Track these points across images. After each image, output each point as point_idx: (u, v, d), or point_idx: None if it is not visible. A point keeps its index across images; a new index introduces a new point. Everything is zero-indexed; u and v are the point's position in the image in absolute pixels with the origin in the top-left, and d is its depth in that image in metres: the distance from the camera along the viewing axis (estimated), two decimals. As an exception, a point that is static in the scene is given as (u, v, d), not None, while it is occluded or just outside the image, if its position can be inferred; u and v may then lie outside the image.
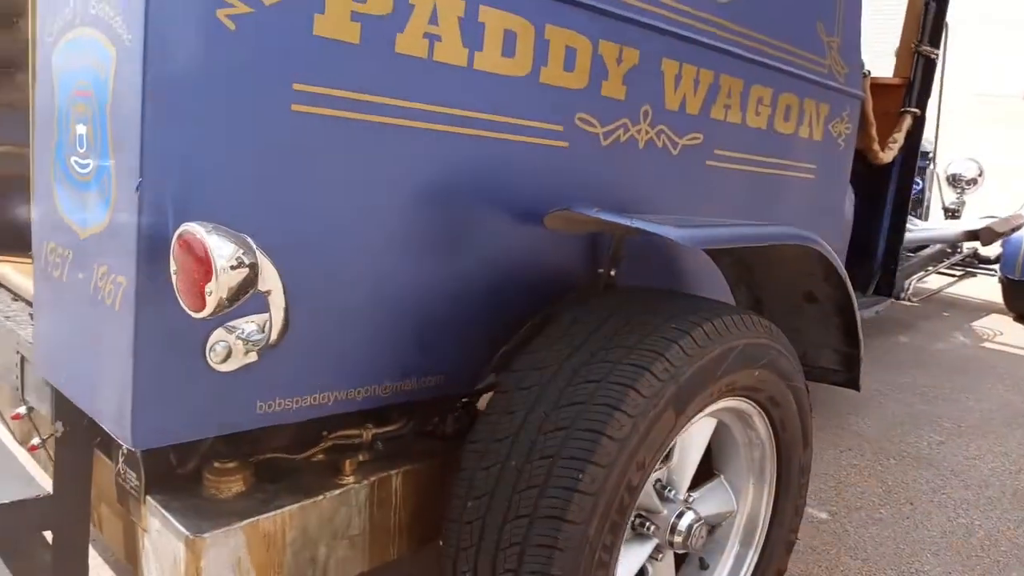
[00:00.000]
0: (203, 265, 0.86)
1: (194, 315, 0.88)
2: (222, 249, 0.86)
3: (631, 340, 1.24)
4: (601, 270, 1.56)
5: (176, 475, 1.18)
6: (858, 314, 1.72)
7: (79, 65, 1.05)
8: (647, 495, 1.39)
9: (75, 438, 1.18)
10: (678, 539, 1.40)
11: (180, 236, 0.88)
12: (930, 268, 3.77)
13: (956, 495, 2.34)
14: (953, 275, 4.12)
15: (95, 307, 1.03)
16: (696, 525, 1.41)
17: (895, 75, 2.95)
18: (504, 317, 1.39)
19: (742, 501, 1.58)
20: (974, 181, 4.09)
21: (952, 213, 4.09)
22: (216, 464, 1.18)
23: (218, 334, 1.00)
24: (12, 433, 1.53)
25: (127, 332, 0.96)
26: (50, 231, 1.16)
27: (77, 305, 1.08)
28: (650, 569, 1.46)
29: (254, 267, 0.88)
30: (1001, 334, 3.78)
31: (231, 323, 1.00)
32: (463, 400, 1.45)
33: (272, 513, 1.17)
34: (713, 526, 1.57)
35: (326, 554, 1.25)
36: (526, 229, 1.38)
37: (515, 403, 1.23)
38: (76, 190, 1.07)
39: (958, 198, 4.11)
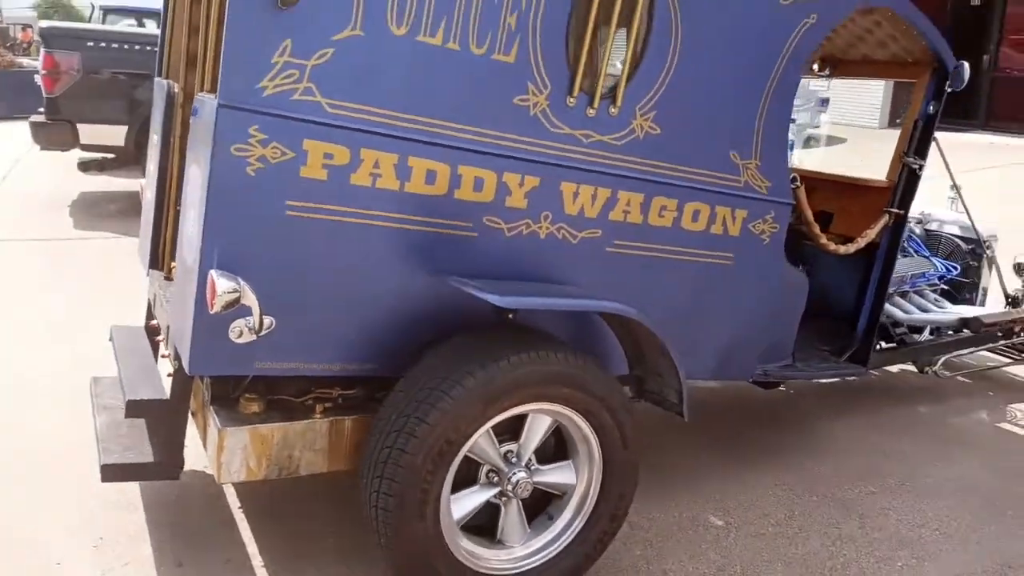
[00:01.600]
0: (214, 289, 1.87)
1: (210, 312, 1.89)
2: (223, 284, 1.86)
3: (474, 356, 2.09)
4: (511, 314, 2.41)
5: (228, 399, 2.22)
6: (676, 357, 2.41)
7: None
8: (496, 459, 2.23)
9: (181, 369, 2.25)
10: (509, 488, 2.22)
11: (210, 276, 1.89)
12: (978, 347, 4.07)
13: (846, 532, 2.85)
14: (1013, 357, 4.31)
15: (184, 304, 2.08)
16: (523, 482, 2.23)
17: (887, 178, 3.43)
18: (424, 337, 2.28)
19: (580, 480, 2.35)
20: (1040, 271, 4.26)
21: (1013, 300, 4.28)
22: (246, 396, 2.20)
23: (238, 323, 2.01)
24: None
25: (191, 318, 2.00)
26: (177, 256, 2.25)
27: (181, 300, 2.15)
28: (503, 508, 2.29)
29: (238, 292, 1.87)
30: (1030, 417, 3.98)
31: (245, 319, 2.00)
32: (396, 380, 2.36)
33: (267, 424, 2.17)
34: (561, 493, 2.36)
35: (299, 455, 2.23)
36: (443, 285, 2.26)
37: (404, 385, 2.14)
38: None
39: (1023, 285, 4.29)
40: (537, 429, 2.28)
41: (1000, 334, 4.15)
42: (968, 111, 14.26)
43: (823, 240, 3.20)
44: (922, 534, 2.88)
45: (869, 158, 11.85)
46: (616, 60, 2.41)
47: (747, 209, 2.75)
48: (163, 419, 2.29)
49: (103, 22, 12.98)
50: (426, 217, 2.19)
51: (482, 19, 2.14)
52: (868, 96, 14.60)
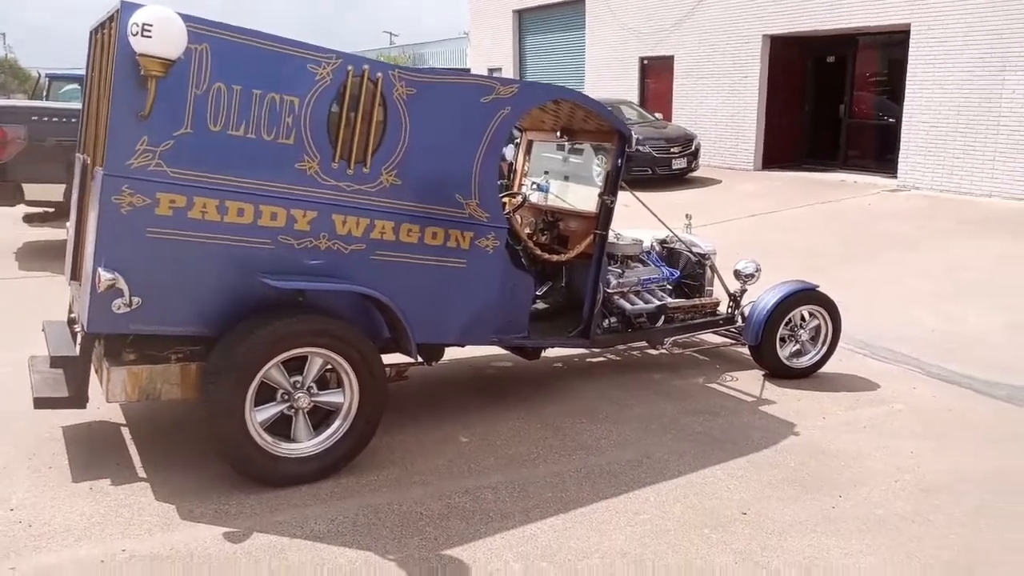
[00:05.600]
0: (100, 278, 3.25)
1: (98, 292, 3.27)
2: (105, 275, 3.24)
3: (265, 318, 3.50)
4: (300, 296, 3.80)
5: (118, 350, 3.57)
6: (407, 325, 3.84)
7: (94, 219, 3.52)
8: (286, 384, 3.61)
9: (85, 333, 3.59)
10: (296, 404, 3.61)
11: (97, 271, 3.27)
12: (695, 333, 5.57)
13: (550, 443, 4.26)
14: (735, 339, 5.81)
15: (85, 289, 3.44)
16: (304, 399, 3.62)
17: (596, 209, 4.93)
18: (243, 311, 3.65)
19: (345, 398, 3.74)
20: (752, 275, 5.78)
21: (733, 296, 5.80)
22: (127, 350, 3.57)
23: (117, 301, 3.38)
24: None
25: (88, 296, 3.37)
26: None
27: (83, 287, 3.51)
28: (293, 418, 3.66)
29: (114, 281, 3.25)
30: (736, 379, 5.45)
31: (122, 298, 3.36)
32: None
33: (137, 366, 3.54)
34: (336, 409, 3.75)
35: (160, 387, 3.59)
36: (253, 278, 3.64)
37: (223, 339, 3.52)
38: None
39: (740, 287, 5.82)
40: (313, 366, 3.67)
41: (721, 321, 5.67)
42: (830, 153, 16.26)
43: (538, 252, 4.69)
44: (600, 444, 4.31)
45: (734, 195, 13.67)
46: (365, 139, 3.86)
47: (472, 231, 4.20)
48: (73, 369, 3.63)
49: (49, 87, 14.28)
50: (239, 237, 3.59)
51: (269, 120, 3.57)
52: (743, 143, 16.49)
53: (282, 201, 3.66)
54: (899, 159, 13.90)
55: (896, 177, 13.94)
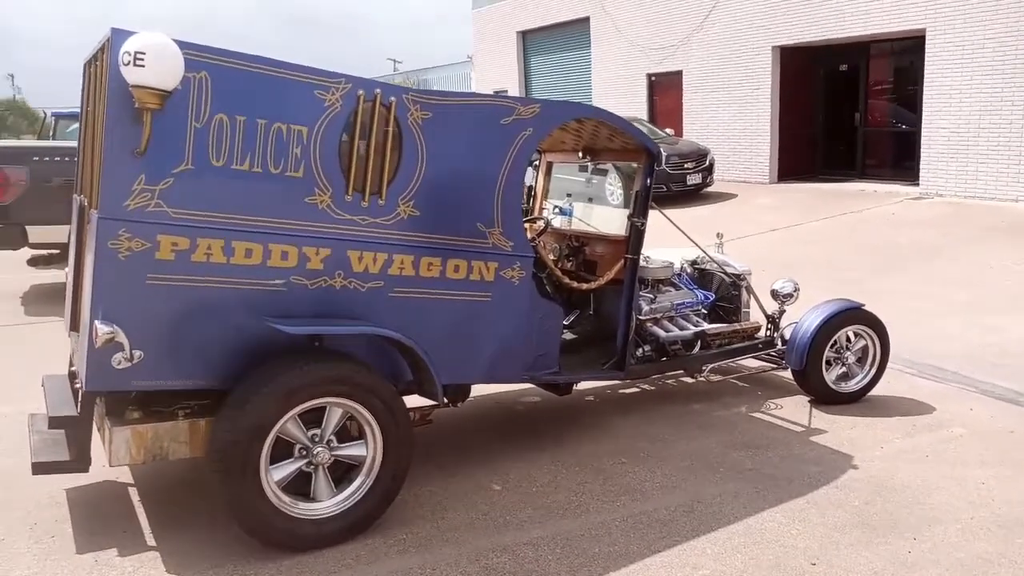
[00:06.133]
0: (96, 332, 2.96)
1: (95, 347, 2.98)
2: (102, 328, 2.95)
3: (278, 368, 3.20)
4: (316, 342, 3.51)
5: (121, 408, 3.27)
6: (431, 366, 3.53)
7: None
8: (303, 439, 3.30)
9: (85, 392, 3.30)
10: (315, 459, 3.30)
11: (94, 324, 2.98)
12: (735, 359, 5.23)
13: (590, 488, 3.93)
14: (776, 363, 5.46)
15: (82, 344, 3.16)
16: (324, 455, 3.31)
17: (625, 232, 4.63)
18: (255, 361, 3.36)
19: (368, 451, 3.43)
20: (790, 295, 5.45)
21: (771, 319, 5.46)
22: (130, 407, 3.27)
23: (117, 355, 3.09)
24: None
25: (86, 352, 3.08)
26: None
27: (81, 342, 3.23)
28: (313, 475, 3.35)
29: (113, 334, 2.96)
30: (781, 407, 5.11)
31: (122, 352, 3.08)
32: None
33: (141, 425, 3.23)
34: (359, 463, 3.44)
35: (167, 445, 3.28)
36: (264, 323, 3.35)
37: (235, 391, 3.22)
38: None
39: (779, 308, 5.48)
40: (332, 417, 3.36)
41: (761, 345, 5.34)
42: (847, 163, 15.93)
43: (565, 280, 4.38)
44: (645, 487, 3.97)
45: (752, 210, 13.35)
46: (380, 169, 3.58)
47: (497, 262, 3.90)
48: (74, 429, 3.34)
49: (55, 126, 14.17)
50: (247, 279, 3.30)
51: (275, 152, 3.30)
52: (758, 156, 16.20)
53: (293, 239, 3.38)
54: (920, 166, 13.58)
55: (918, 184, 13.60)
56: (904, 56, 14.80)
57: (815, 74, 16.46)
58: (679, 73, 17.79)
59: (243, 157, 3.25)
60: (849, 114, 15.86)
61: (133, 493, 3.83)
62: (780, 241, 11.15)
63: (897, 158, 15.13)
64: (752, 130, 16.29)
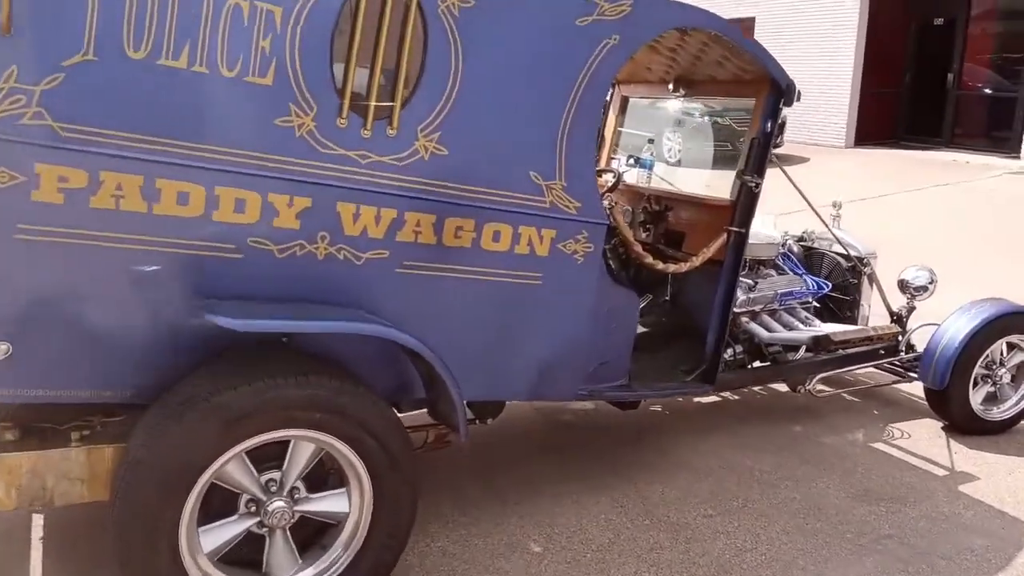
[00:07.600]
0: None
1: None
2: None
3: (232, 379, 2.07)
4: (284, 338, 2.38)
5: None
6: (447, 377, 2.37)
7: None
8: (253, 487, 2.18)
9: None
10: (270, 519, 2.18)
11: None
12: (856, 366, 4.01)
13: (667, 558, 2.79)
14: (900, 375, 4.23)
15: None
16: (282, 511, 2.18)
17: (730, 196, 3.40)
18: (189, 363, 2.24)
19: (353, 507, 2.30)
20: (924, 288, 4.20)
21: (897, 317, 4.22)
22: (1, 423, 2.17)
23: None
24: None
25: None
26: None
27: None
28: (267, 540, 2.24)
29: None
30: (908, 436, 3.90)
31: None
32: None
33: (16, 453, 2.13)
34: (336, 522, 2.32)
35: (52, 485, 2.18)
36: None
37: (149, 413, 2.10)
38: None
39: (908, 303, 4.23)
40: (299, 456, 2.23)
41: (883, 351, 4.11)
42: (933, 129, 14.29)
43: (648, 260, 3.17)
44: (745, 559, 2.82)
45: (828, 176, 11.87)
46: (392, 80, 2.39)
47: (556, 229, 2.71)
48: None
49: None
50: (179, 239, 2.17)
51: (230, 42, 2.13)
52: (834, 117, 14.65)
53: (254, 180, 2.22)
54: (1023, 137, 11.97)
55: (1019, 157, 12.01)
56: (1012, 14, 13.03)
57: (906, 27, 14.71)
58: (751, 20, 16.11)
59: (178, 48, 2.08)
60: (941, 75, 14.14)
61: (36, 530, 2.75)
62: (866, 214, 9.69)
63: (993, 126, 13.46)
64: (830, 87, 14.62)
